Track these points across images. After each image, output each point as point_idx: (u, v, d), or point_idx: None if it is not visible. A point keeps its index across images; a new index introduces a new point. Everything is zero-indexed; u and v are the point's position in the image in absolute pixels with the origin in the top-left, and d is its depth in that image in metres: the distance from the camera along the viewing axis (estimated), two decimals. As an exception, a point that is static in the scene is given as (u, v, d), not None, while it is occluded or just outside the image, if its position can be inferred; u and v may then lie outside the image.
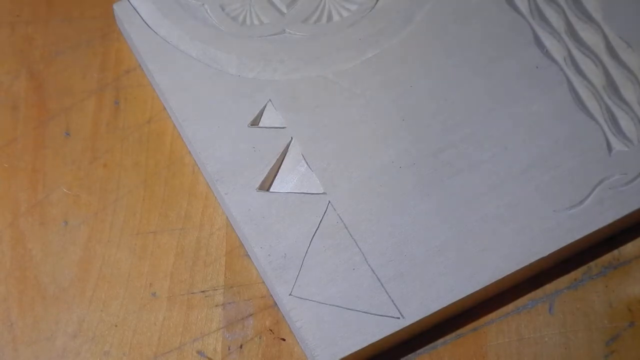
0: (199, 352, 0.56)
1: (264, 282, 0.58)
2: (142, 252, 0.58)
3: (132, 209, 0.60)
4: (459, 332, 0.57)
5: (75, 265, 0.58)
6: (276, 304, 0.57)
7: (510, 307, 0.58)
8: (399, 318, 0.55)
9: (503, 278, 0.56)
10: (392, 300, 0.55)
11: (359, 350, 0.54)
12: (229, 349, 0.56)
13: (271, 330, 0.57)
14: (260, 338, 0.57)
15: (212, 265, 0.58)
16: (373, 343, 0.54)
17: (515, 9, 0.63)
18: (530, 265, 0.56)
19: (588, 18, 0.62)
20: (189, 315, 0.57)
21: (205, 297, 0.57)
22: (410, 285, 0.55)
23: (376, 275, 0.55)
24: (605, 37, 0.62)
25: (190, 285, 0.58)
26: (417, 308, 0.55)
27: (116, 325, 0.57)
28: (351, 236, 0.56)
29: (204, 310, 0.57)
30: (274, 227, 0.57)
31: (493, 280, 0.56)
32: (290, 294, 0.55)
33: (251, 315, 0.57)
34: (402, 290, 0.55)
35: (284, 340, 0.56)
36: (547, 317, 0.57)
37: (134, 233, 0.59)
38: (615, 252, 0.59)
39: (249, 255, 0.58)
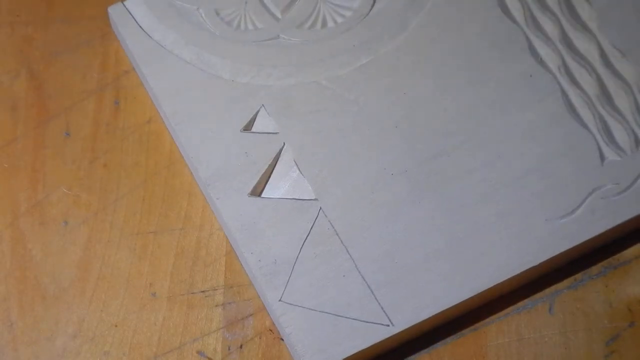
0: (199, 352, 0.57)
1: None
2: (142, 252, 0.59)
3: (132, 209, 0.60)
4: (459, 332, 0.57)
5: (75, 265, 0.58)
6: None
7: (510, 307, 0.58)
8: (388, 325, 0.55)
9: (495, 286, 0.56)
10: (382, 308, 0.55)
11: (347, 358, 0.54)
12: (229, 349, 0.57)
13: (271, 330, 0.57)
14: (260, 338, 0.57)
15: (212, 265, 0.59)
16: (362, 350, 0.54)
17: (510, 17, 0.62)
18: (522, 273, 0.56)
19: (583, 27, 0.62)
20: (189, 315, 0.57)
21: (205, 297, 0.58)
22: (401, 292, 0.55)
23: (366, 283, 0.56)
24: (599, 46, 0.61)
25: (190, 285, 0.58)
26: (407, 316, 0.55)
27: (116, 325, 0.57)
28: (342, 243, 0.57)
29: (204, 310, 0.57)
30: (265, 232, 0.57)
31: (484, 289, 0.55)
32: (280, 300, 0.55)
33: (251, 315, 0.57)
34: (392, 298, 0.55)
35: (283, 340, 0.57)
36: (547, 317, 0.57)
37: (134, 233, 0.59)
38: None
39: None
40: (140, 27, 0.62)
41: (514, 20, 0.62)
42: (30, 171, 0.61)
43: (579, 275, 0.58)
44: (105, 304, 0.58)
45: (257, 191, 0.58)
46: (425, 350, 0.57)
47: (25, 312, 0.57)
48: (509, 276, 0.56)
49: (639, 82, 0.60)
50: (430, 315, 0.55)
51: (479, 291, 0.55)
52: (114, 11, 0.62)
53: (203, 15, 0.62)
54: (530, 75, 0.60)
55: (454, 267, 0.56)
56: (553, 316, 0.57)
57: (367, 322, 0.55)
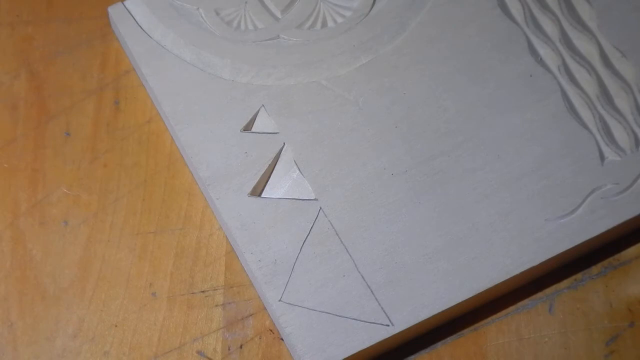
0: (199, 352, 0.57)
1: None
2: (142, 252, 0.59)
3: (132, 209, 0.60)
4: (459, 332, 0.57)
5: (75, 265, 0.58)
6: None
7: (510, 307, 0.58)
8: (388, 325, 0.55)
9: (495, 286, 0.56)
10: (382, 308, 0.55)
11: (347, 358, 0.54)
12: (229, 349, 0.57)
13: (271, 330, 0.57)
14: (260, 338, 0.57)
15: (212, 265, 0.59)
16: (362, 350, 0.54)
17: (510, 17, 0.62)
18: (522, 273, 0.56)
19: (583, 27, 0.62)
20: (189, 315, 0.57)
21: (205, 297, 0.58)
22: (401, 292, 0.55)
23: (366, 282, 0.56)
24: (599, 46, 0.61)
25: (190, 285, 0.58)
26: (407, 316, 0.55)
27: (116, 325, 0.57)
28: (342, 243, 0.57)
29: (204, 310, 0.58)
30: (265, 232, 0.57)
31: (483, 289, 0.56)
32: (280, 300, 0.55)
33: (251, 315, 0.57)
34: (392, 298, 0.55)
35: (283, 340, 0.57)
36: (547, 317, 0.57)
37: (134, 233, 0.59)
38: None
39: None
40: (140, 27, 0.62)
41: (514, 20, 0.62)
42: (30, 171, 0.61)
43: (579, 275, 0.59)
44: (105, 304, 0.58)
45: (257, 191, 0.58)
46: (425, 350, 0.57)
47: (25, 312, 0.57)
48: (509, 276, 0.56)
49: (639, 82, 0.60)
50: (430, 315, 0.55)
51: (479, 291, 0.55)
52: (113, 11, 0.62)
53: (203, 15, 0.62)
54: (530, 75, 0.60)
55: (454, 267, 0.56)
56: (553, 316, 0.57)
57: (367, 322, 0.55)
